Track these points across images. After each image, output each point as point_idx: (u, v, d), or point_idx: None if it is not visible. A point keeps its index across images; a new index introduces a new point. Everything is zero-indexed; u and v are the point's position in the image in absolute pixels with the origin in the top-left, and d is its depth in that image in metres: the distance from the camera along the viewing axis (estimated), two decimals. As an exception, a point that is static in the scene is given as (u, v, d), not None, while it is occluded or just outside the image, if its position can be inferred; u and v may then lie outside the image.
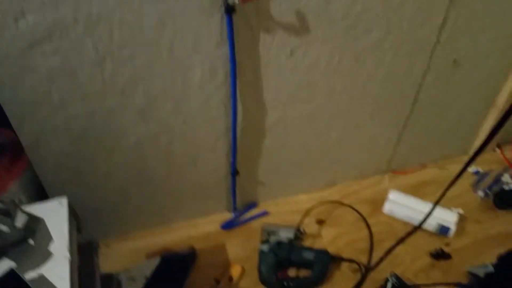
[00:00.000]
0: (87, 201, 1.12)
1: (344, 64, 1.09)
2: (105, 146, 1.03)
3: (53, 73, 0.85)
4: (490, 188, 1.47)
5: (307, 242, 1.30)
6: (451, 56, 1.20)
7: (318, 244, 1.30)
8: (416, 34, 1.10)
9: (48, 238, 0.73)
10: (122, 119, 0.99)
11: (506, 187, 1.47)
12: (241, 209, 1.37)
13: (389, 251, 0.86)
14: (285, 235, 1.26)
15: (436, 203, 0.66)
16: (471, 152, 1.54)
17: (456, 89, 1.31)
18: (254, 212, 1.38)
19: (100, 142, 1.02)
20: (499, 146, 1.63)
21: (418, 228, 0.74)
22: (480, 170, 1.54)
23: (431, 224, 1.30)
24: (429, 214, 0.69)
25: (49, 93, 0.88)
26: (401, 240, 0.79)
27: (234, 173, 1.22)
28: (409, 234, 0.76)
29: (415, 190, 1.45)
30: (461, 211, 1.39)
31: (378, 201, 1.40)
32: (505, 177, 1.51)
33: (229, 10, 0.85)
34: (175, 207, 1.28)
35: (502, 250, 1.03)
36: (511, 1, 1.13)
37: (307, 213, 1.36)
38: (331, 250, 1.25)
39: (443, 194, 0.64)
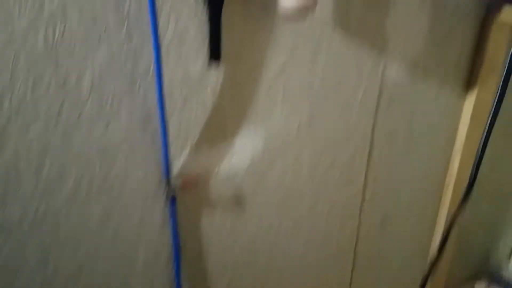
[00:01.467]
0: None
1: (282, 231, 1.16)
2: None
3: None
4: None
5: None
6: (379, 211, 1.31)
7: None
8: (342, 195, 1.21)
9: None
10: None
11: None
12: None
13: None
14: None
15: None
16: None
17: (390, 242, 1.39)
18: None
19: None
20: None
21: None
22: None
23: None
24: None
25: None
26: None
27: None
28: None
29: None
30: None
31: None
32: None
33: (171, 198, 0.91)
34: None
35: None
36: (419, 158, 1.30)
37: None
38: None
39: None
